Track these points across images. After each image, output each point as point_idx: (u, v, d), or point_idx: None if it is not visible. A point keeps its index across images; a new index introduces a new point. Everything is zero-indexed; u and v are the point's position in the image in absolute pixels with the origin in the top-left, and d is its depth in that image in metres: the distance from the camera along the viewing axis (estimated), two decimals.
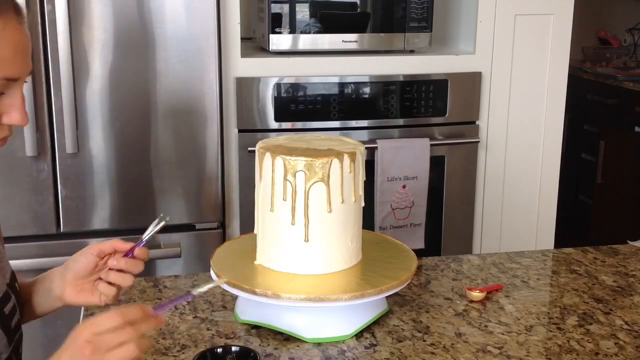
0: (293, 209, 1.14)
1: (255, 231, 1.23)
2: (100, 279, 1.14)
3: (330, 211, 1.15)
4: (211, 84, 2.17)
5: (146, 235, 1.13)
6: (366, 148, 2.33)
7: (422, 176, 2.42)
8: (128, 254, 1.12)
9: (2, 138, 1.02)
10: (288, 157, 1.14)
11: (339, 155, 1.15)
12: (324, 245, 1.17)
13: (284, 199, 1.15)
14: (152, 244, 1.68)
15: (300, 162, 1.13)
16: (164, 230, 1.15)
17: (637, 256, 1.53)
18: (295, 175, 1.13)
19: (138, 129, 2.16)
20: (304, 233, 1.15)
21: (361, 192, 1.20)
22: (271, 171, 1.15)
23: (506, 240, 2.63)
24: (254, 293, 1.13)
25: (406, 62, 2.43)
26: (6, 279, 1.13)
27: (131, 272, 1.12)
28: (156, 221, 1.14)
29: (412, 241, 2.42)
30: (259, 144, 1.21)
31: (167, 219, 1.13)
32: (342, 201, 1.17)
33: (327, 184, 1.14)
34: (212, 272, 1.21)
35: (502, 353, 1.12)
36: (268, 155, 1.16)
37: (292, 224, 1.15)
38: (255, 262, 1.21)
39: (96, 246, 1.14)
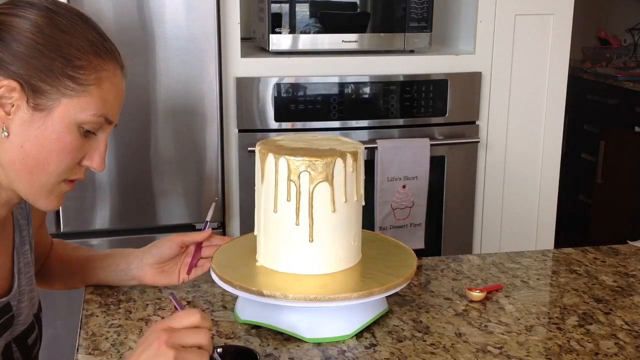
0: (297, 209, 1.14)
1: (255, 232, 1.23)
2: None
3: (334, 211, 1.15)
4: (211, 84, 2.17)
5: (209, 218, 1.37)
6: (366, 148, 2.36)
7: (422, 176, 2.42)
8: (201, 243, 1.31)
9: (74, 179, 1.04)
10: (292, 158, 1.14)
11: (342, 155, 1.15)
12: (328, 244, 1.17)
13: (288, 200, 1.15)
14: None
15: (304, 162, 1.13)
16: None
17: (637, 256, 1.53)
18: (299, 176, 1.13)
19: (138, 129, 2.16)
20: (308, 233, 1.15)
21: (362, 190, 1.21)
22: (274, 172, 1.15)
23: (506, 240, 2.62)
24: (255, 293, 1.13)
25: (406, 62, 2.43)
26: (34, 309, 1.16)
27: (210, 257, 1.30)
28: (213, 205, 1.39)
29: (412, 241, 2.42)
30: (259, 145, 1.21)
31: (216, 199, 1.39)
32: (346, 200, 1.17)
33: (331, 184, 1.14)
34: (212, 273, 1.21)
35: (502, 353, 1.12)
36: (271, 156, 1.16)
37: (297, 224, 1.15)
38: (257, 264, 1.21)
39: (179, 237, 1.30)
